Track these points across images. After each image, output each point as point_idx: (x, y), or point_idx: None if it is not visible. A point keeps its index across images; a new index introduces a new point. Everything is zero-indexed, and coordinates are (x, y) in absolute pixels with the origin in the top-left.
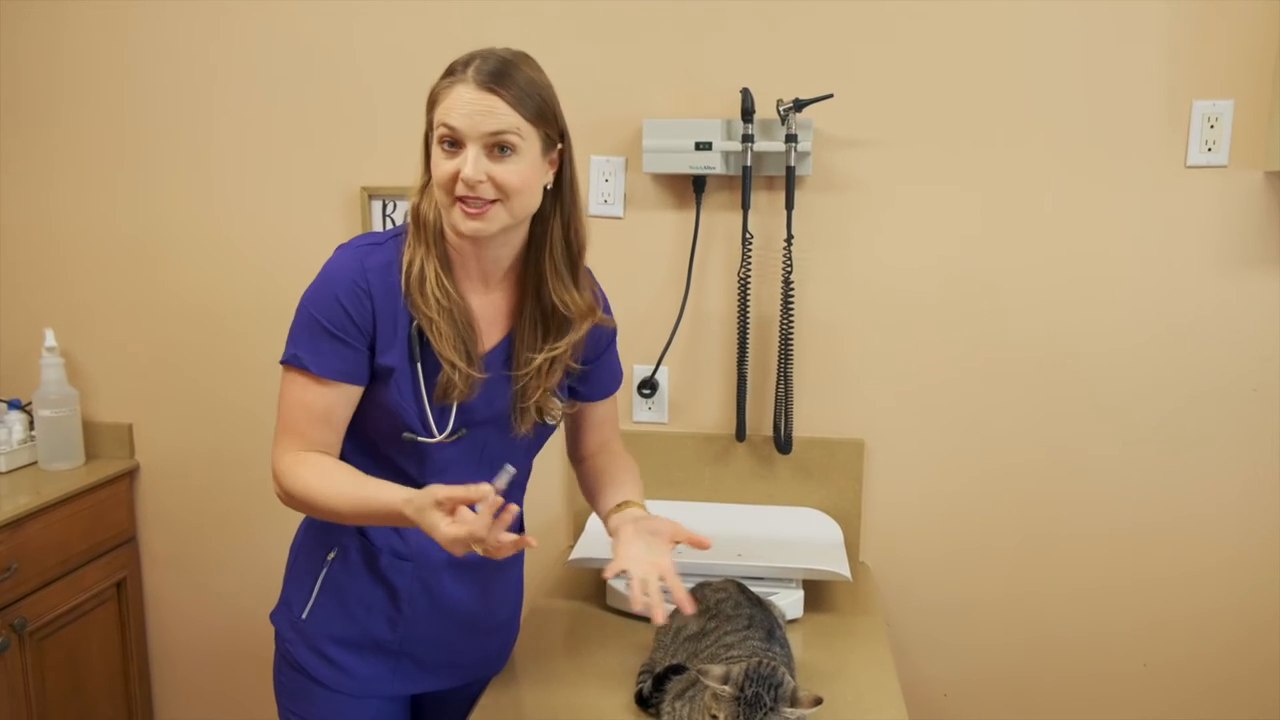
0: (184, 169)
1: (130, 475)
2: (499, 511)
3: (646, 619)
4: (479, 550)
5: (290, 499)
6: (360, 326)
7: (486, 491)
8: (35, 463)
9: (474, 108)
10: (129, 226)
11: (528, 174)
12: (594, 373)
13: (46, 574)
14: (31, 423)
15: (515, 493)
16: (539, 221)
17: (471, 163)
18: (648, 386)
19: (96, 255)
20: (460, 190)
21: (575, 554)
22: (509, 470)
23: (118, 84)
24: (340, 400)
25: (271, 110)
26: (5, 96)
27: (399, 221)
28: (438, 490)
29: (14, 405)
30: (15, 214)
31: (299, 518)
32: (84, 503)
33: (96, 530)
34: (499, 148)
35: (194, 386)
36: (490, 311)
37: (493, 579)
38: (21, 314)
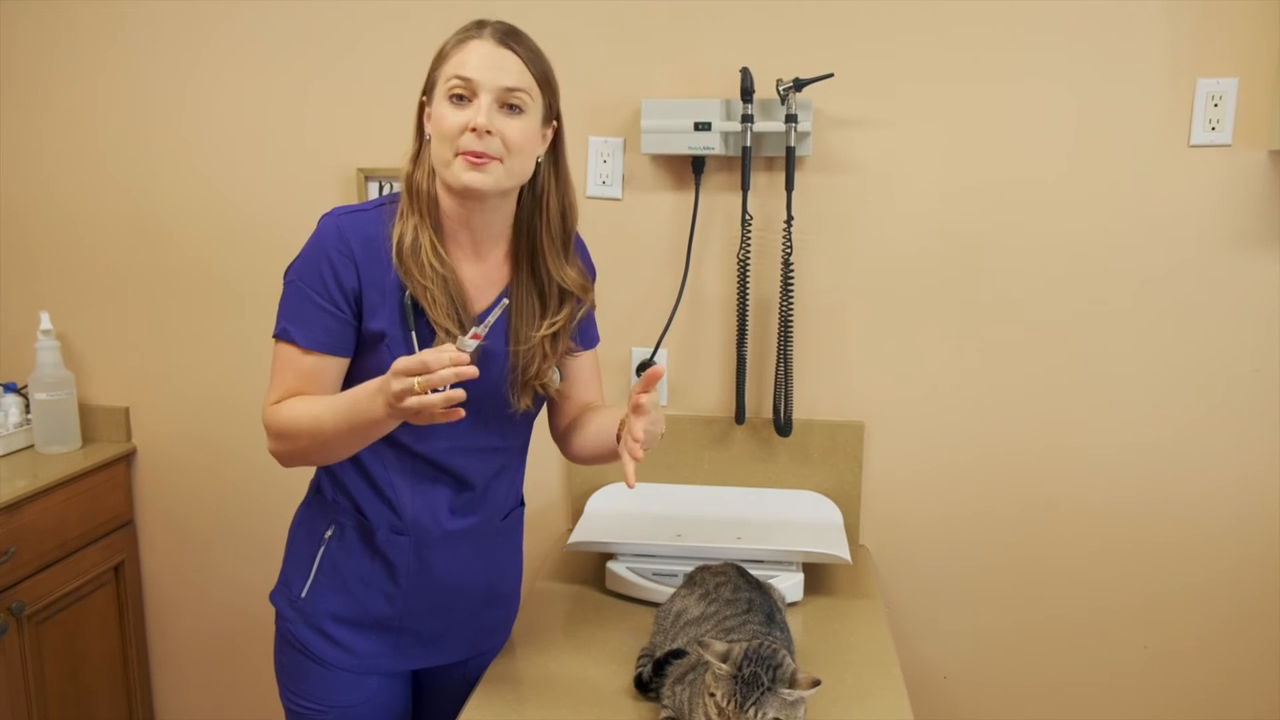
0: (181, 151)
1: (127, 459)
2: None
3: (646, 603)
4: (417, 386)
5: (278, 439)
6: (345, 291)
7: (461, 340)
8: (32, 446)
9: (492, 61)
10: (125, 209)
11: (531, 135)
12: (577, 330)
13: (44, 557)
14: (28, 406)
15: (515, 460)
16: (536, 196)
17: (485, 112)
18: (646, 369)
19: (92, 238)
20: (467, 142)
21: (574, 537)
22: (505, 302)
23: (114, 67)
24: (328, 368)
25: (269, 92)
26: (1, 80)
27: None
28: (427, 352)
29: (10, 388)
30: (10, 196)
31: (297, 500)
32: (81, 486)
33: (94, 514)
34: (509, 105)
35: (191, 369)
36: (482, 281)
37: (491, 551)
38: (17, 296)
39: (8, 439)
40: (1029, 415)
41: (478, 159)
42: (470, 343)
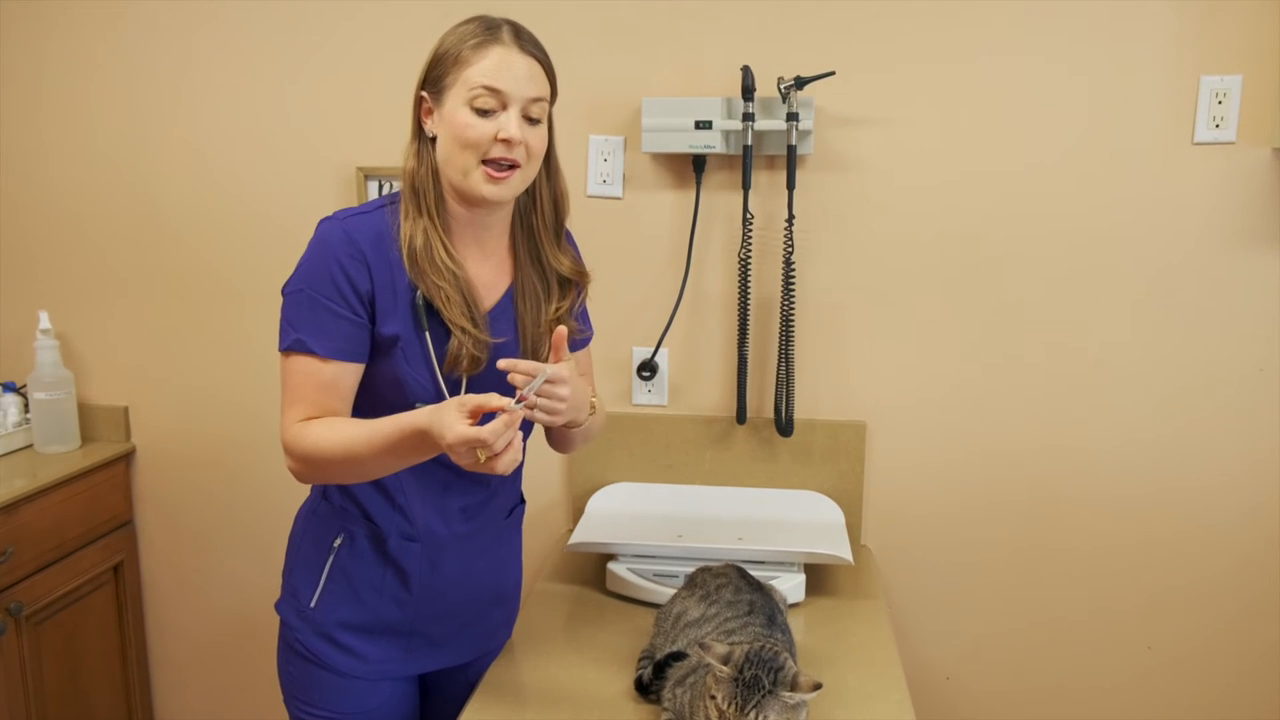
0: (181, 149)
1: (127, 458)
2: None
3: (647, 604)
4: (481, 457)
5: (305, 463)
6: (360, 294)
7: (508, 403)
8: (31, 446)
9: (521, 72)
10: (124, 207)
11: (546, 140)
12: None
13: (43, 558)
14: (27, 405)
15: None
16: (529, 189)
17: (516, 123)
18: (647, 369)
19: (92, 237)
20: (498, 151)
21: (575, 538)
22: (546, 370)
23: (113, 64)
24: (347, 376)
25: (268, 90)
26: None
27: None
28: (467, 398)
29: (9, 388)
30: (9, 195)
31: (297, 501)
32: (80, 486)
33: (93, 514)
34: (529, 115)
35: (190, 369)
36: (488, 277)
37: (496, 551)
38: (16, 296)
39: (7, 439)
40: (1032, 414)
41: (500, 172)
42: (518, 406)
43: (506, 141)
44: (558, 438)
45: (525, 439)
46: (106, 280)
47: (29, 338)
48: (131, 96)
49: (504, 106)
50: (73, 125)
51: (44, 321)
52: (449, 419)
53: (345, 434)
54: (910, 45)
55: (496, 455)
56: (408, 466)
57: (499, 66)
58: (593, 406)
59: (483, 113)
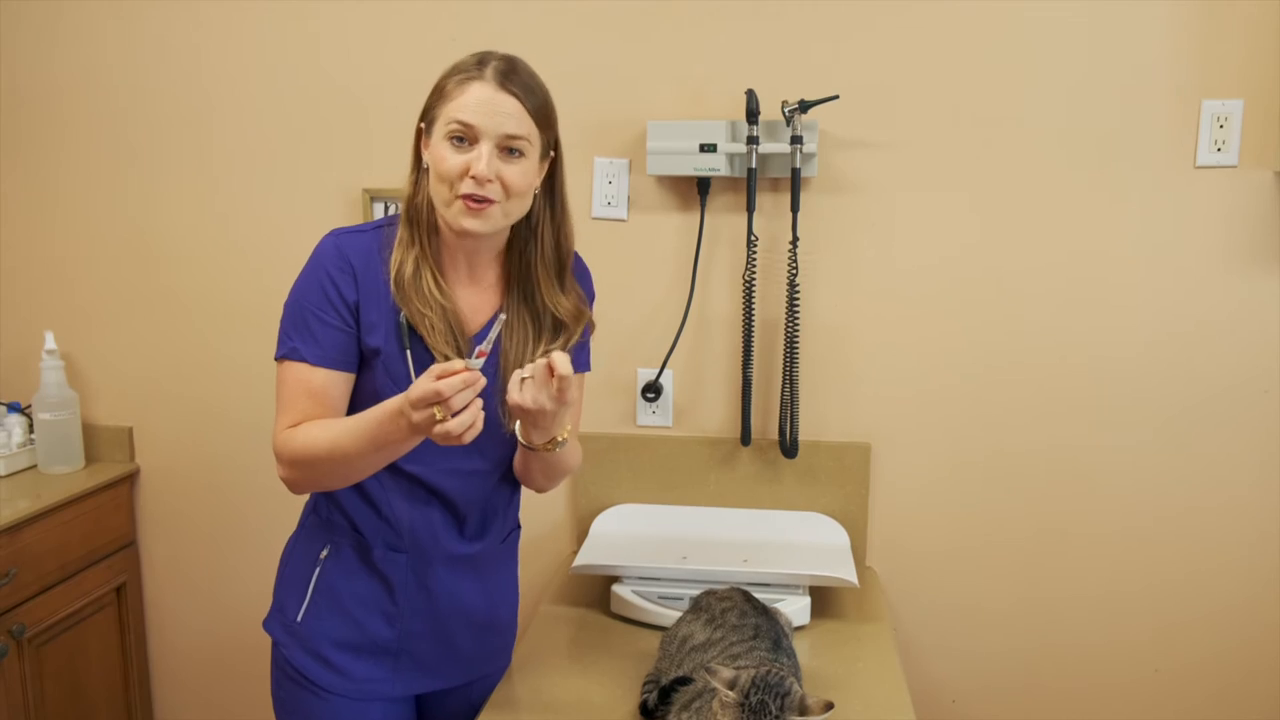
0: (186, 171)
1: (130, 479)
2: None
3: (652, 626)
4: (438, 414)
5: (294, 467)
6: (347, 303)
7: (468, 361)
8: (35, 466)
9: (493, 107)
10: (130, 228)
11: (531, 178)
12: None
13: (45, 579)
14: (31, 426)
15: (508, 485)
16: (529, 225)
17: (486, 160)
18: (652, 390)
19: (97, 257)
20: (467, 187)
21: (579, 560)
22: (502, 318)
23: (120, 86)
24: (337, 384)
25: (274, 112)
26: (5, 98)
27: None
28: (433, 367)
29: (13, 408)
30: (16, 215)
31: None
32: (84, 507)
33: (96, 535)
34: (509, 150)
35: (195, 389)
36: (477, 302)
37: (488, 575)
38: (21, 316)
39: (11, 459)
40: (1036, 437)
41: (477, 204)
42: (477, 361)
43: (475, 178)
44: (527, 466)
45: (509, 460)
46: (112, 301)
47: (34, 358)
48: (136, 115)
49: (476, 140)
50: (78, 146)
51: (49, 342)
52: (417, 382)
53: (330, 430)
54: (914, 69)
55: (455, 415)
56: (393, 458)
57: (474, 103)
58: (565, 435)
59: (458, 144)
